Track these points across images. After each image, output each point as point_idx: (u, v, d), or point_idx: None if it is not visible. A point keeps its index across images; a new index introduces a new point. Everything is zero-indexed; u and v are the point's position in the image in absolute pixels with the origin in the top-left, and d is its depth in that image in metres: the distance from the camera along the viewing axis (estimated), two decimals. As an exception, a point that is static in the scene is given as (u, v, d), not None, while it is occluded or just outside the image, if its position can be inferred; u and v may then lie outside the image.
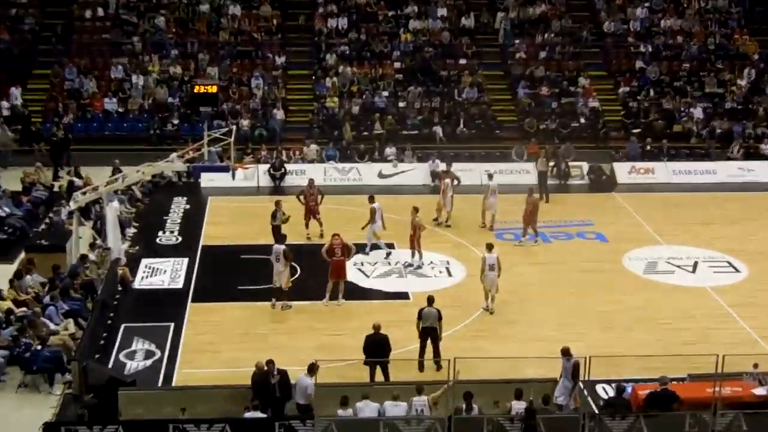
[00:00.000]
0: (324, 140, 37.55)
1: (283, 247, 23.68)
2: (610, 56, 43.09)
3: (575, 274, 26.24)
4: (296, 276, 24.81)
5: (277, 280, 23.51)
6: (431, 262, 26.70)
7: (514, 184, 33.03)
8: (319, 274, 24.40)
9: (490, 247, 23.72)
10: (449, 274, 26.13)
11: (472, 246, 27.55)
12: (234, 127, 32.65)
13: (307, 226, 28.38)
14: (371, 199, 27.52)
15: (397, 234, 27.89)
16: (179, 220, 30.65)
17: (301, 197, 28.56)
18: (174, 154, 28.07)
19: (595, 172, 35.94)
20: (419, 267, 26.34)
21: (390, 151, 36.68)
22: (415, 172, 35.46)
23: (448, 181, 30.05)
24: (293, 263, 24.28)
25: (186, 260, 26.64)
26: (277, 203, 27.50)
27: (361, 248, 26.50)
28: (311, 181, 29.27)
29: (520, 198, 29.15)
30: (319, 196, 28.53)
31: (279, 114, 38.71)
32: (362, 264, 26.46)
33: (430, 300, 20.81)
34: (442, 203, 29.92)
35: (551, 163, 34.95)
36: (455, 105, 39.81)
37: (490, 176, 30.47)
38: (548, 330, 22.56)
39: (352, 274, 25.34)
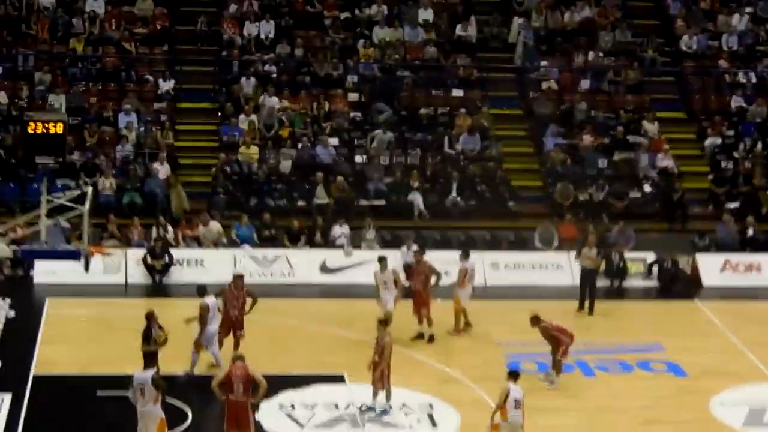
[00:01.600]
0: (234, 212, 38.00)
1: (150, 373, 23.65)
2: (692, 89, 44.04)
3: (636, 427, 26.42)
4: (185, 425, 24.89)
5: (143, 428, 23.34)
6: (404, 405, 26.74)
7: (538, 285, 33.65)
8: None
9: (515, 376, 23.69)
10: (432, 424, 26.19)
11: (468, 379, 27.78)
12: (90, 190, 32.79)
13: (220, 344, 28.38)
14: (202, 291, 28.03)
15: (350, 361, 28.10)
16: (-3, 336, 30.77)
17: (220, 301, 28.71)
18: (-9, 232, 28.17)
19: (666, 269, 36.50)
20: (385, 412, 26.35)
21: (340, 230, 37.17)
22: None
23: (389, 272, 30.66)
24: (171, 401, 24.35)
25: (7, 397, 26.46)
26: (150, 316, 27.07)
27: (280, 381, 26.26)
28: (238, 277, 29.39)
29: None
30: (249, 301, 28.71)
31: (162, 170, 39.04)
32: (292, 407, 26.48)
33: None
34: (379, 301, 30.45)
35: (598, 255, 35.33)
36: (445, 161, 40.44)
37: (466, 254, 31.57)
38: None
39: (279, 424, 25.42)
